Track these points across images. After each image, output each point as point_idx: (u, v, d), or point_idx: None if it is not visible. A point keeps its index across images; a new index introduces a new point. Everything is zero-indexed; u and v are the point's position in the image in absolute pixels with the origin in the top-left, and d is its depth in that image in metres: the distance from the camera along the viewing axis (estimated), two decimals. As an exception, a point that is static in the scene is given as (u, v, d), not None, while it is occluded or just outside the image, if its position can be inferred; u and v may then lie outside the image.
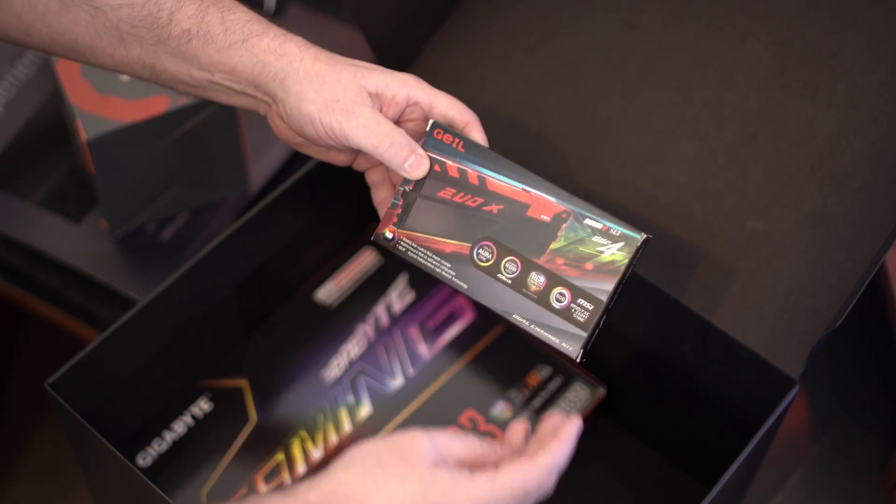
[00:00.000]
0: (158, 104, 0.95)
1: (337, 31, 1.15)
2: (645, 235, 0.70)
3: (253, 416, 0.90)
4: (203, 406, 0.90)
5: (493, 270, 0.71)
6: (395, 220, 0.74)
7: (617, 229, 0.70)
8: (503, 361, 0.93)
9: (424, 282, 0.97)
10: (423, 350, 0.93)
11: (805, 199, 0.82)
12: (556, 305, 0.70)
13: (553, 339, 0.70)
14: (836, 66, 0.83)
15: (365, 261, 0.98)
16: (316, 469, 0.86)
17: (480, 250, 0.72)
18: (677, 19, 0.88)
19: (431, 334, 0.94)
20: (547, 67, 0.91)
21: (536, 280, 0.71)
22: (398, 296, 0.96)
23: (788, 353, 0.79)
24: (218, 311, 0.89)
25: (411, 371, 0.92)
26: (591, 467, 0.93)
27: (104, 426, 0.76)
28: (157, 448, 0.88)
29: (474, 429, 0.89)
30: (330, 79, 0.72)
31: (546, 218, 0.71)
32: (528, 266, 0.71)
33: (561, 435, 0.67)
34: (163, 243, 1.02)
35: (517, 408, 0.90)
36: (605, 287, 0.69)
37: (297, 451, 0.87)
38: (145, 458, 0.87)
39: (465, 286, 0.72)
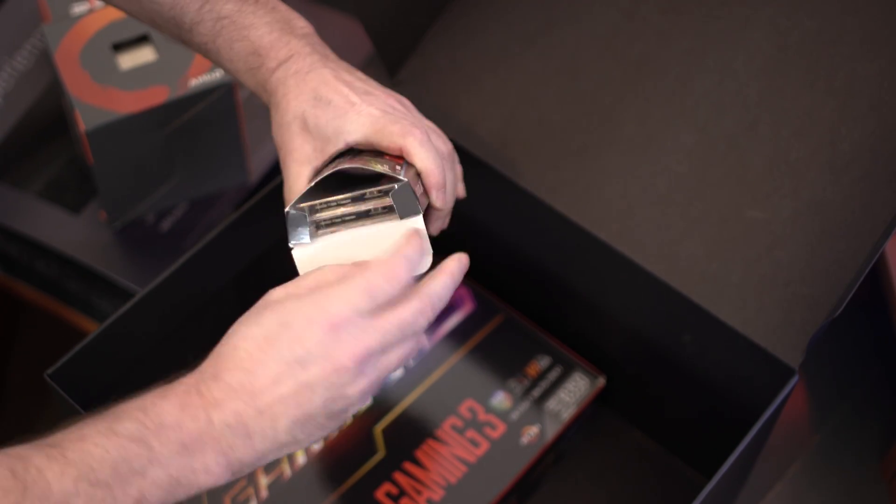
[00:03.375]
0: (157, 95, 0.95)
1: (336, 21, 1.14)
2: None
3: (253, 406, 0.89)
4: (203, 396, 0.90)
5: None
6: None
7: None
8: (503, 351, 0.93)
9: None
10: (423, 340, 0.93)
11: (804, 188, 0.82)
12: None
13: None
14: (836, 55, 0.83)
15: (364, 251, 0.98)
16: (316, 459, 0.86)
17: None
18: (676, 9, 0.88)
19: (431, 324, 0.94)
20: (546, 57, 0.91)
21: None
22: (398, 286, 0.96)
23: (788, 343, 0.79)
24: (217, 302, 0.89)
25: (410, 361, 0.92)
26: (591, 457, 0.93)
27: (104, 417, 0.76)
28: (156, 438, 0.88)
29: (473, 419, 0.89)
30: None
31: None
32: None
33: (442, 267, 0.70)
34: (162, 234, 1.02)
35: (517, 398, 0.90)
36: None
37: (296, 441, 0.87)
38: (145, 449, 0.87)
39: None
